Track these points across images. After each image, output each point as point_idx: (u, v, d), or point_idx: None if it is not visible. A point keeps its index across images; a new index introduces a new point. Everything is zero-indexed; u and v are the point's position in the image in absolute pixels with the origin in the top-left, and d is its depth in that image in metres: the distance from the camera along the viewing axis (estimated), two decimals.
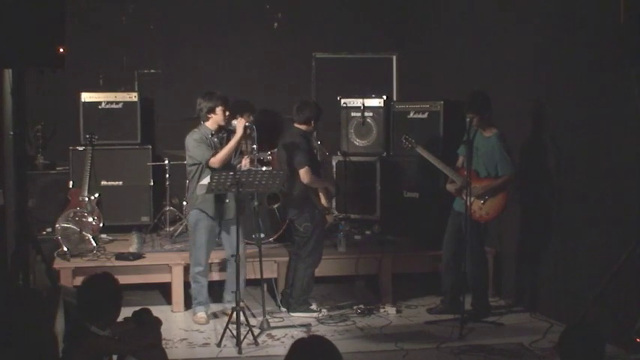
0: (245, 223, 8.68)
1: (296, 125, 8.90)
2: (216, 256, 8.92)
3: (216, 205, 8.45)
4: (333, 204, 10.86)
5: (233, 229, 8.25)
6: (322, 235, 9.07)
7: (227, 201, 8.42)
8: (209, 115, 8.50)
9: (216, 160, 8.33)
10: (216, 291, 8.99)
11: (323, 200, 8.85)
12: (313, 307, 8.91)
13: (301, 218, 8.82)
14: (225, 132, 8.55)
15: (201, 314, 8.66)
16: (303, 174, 8.65)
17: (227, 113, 8.51)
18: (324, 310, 8.91)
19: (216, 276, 9.03)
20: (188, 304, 9.11)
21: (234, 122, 8.43)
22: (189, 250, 8.77)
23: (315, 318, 8.74)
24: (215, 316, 8.79)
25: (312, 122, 8.86)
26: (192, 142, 8.45)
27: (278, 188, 8.39)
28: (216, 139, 8.51)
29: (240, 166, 8.47)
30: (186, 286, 9.10)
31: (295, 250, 8.98)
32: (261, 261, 8.30)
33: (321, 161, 10.75)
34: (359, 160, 10.95)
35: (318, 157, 9.62)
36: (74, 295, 6.29)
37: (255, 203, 8.26)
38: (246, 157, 8.65)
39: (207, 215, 8.48)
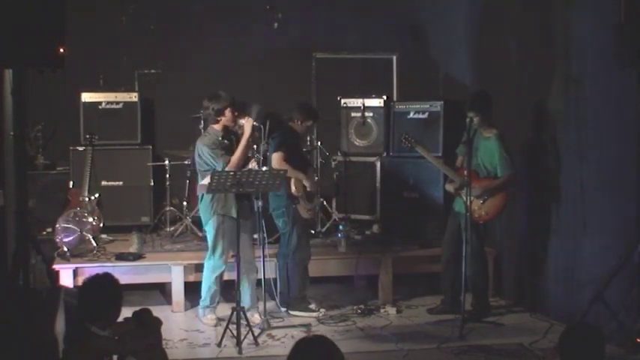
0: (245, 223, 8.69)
1: (288, 123, 9.03)
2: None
3: (237, 205, 8.40)
4: (334, 205, 10.86)
5: (244, 229, 8.28)
6: (304, 228, 9.05)
7: (246, 201, 8.37)
8: (218, 118, 8.46)
9: (231, 165, 8.25)
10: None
11: (293, 188, 8.78)
12: (312, 306, 8.91)
13: (277, 212, 8.87)
14: (233, 134, 8.51)
15: (212, 316, 8.64)
16: (274, 157, 8.68)
17: (235, 114, 8.49)
18: (322, 310, 8.91)
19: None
20: (188, 304, 9.12)
21: (241, 122, 8.41)
22: (208, 252, 8.60)
23: (315, 318, 8.74)
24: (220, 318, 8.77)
25: (300, 122, 8.92)
26: (206, 148, 8.34)
27: (279, 188, 8.37)
28: (226, 142, 8.49)
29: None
30: (187, 286, 9.10)
31: (283, 250, 9.00)
32: (263, 261, 8.31)
33: (322, 162, 10.77)
34: (359, 160, 10.95)
35: (306, 157, 9.61)
36: (74, 296, 6.29)
37: (260, 203, 8.24)
38: (253, 160, 8.63)
39: (230, 218, 8.44)
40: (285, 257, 8.96)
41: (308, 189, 8.94)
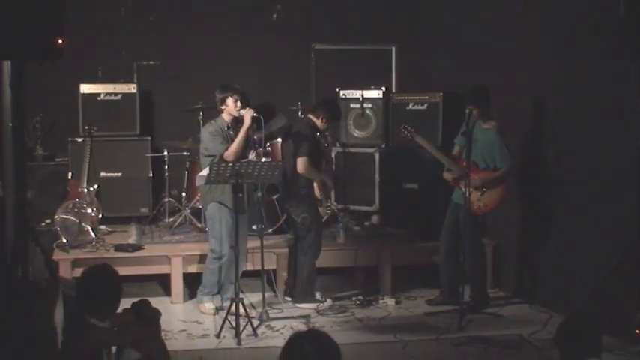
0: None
1: (309, 116, 8.99)
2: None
3: (235, 198, 8.43)
4: (332, 196, 10.86)
5: (240, 221, 8.31)
6: (321, 227, 9.10)
7: (240, 195, 8.35)
8: (221, 107, 8.53)
9: (229, 153, 8.32)
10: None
11: (316, 192, 8.87)
12: (318, 297, 8.95)
13: (299, 209, 8.84)
14: (240, 124, 8.52)
15: (210, 305, 8.69)
16: (300, 162, 8.69)
17: (239, 104, 8.49)
18: (329, 300, 8.94)
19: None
20: (187, 295, 9.12)
21: (242, 112, 8.43)
22: (209, 241, 8.71)
23: (315, 309, 8.76)
24: (217, 308, 8.79)
25: (323, 119, 8.90)
26: (208, 134, 8.46)
27: (277, 179, 8.39)
28: (232, 132, 8.50)
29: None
30: (185, 277, 9.12)
31: (296, 242, 9.00)
32: (262, 252, 8.31)
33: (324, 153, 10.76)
34: (358, 152, 10.95)
35: (322, 151, 9.56)
36: (73, 287, 6.30)
37: (259, 194, 8.26)
38: (253, 151, 8.65)
39: (226, 207, 8.48)
40: (296, 250, 9.01)
41: (329, 186, 9.00)
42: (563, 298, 8.51)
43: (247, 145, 8.54)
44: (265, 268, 8.50)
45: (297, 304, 8.90)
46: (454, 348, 7.65)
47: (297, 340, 3.88)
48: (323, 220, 10.30)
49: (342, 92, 11.10)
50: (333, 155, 10.95)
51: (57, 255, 8.93)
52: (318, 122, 8.94)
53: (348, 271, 9.93)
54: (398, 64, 11.84)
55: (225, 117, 8.54)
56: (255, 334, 7.91)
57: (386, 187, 10.68)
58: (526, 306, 8.98)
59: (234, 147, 8.35)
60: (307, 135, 8.84)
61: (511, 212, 9.27)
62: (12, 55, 7.23)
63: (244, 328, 7.85)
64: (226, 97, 8.48)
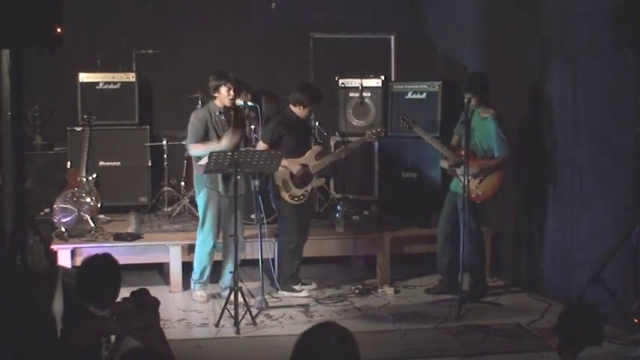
0: (244, 203, 8.70)
1: (290, 106, 8.95)
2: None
3: (225, 182, 8.44)
4: (331, 185, 10.86)
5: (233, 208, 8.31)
6: (293, 213, 8.94)
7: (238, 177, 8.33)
8: (214, 94, 8.53)
9: (194, 148, 8.44)
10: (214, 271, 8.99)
11: (277, 179, 8.79)
12: (296, 287, 8.95)
13: (271, 195, 8.91)
14: (232, 111, 8.53)
15: (201, 293, 8.72)
16: (259, 146, 8.75)
17: (232, 93, 8.49)
18: (304, 290, 8.92)
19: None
20: (186, 284, 9.12)
21: (239, 101, 8.43)
22: (198, 225, 8.73)
23: (311, 297, 8.79)
24: (213, 296, 8.79)
25: (300, 106, 8.86)
26: (192, 118, 8.54)
27: (276, 169, 8.38)
28: (223, 117, 8.51)
29: None
30: (185, 266, 9.11)
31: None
32: (260, 241, 8.32)
33: (320, 142, 10.73)
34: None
35: (306, 140, 9.43)
36: (72, 276, 6.30)
37: (256, 183, 8.26)
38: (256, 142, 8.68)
39: (217, 193, 8.49)
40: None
41: (295, 173, 8.87)
42: (562, 287, 8.51)
43: (246, 139, 8.57)
44: (264, 257, 8.50)
45: (279, 292, 8.91)
46: (453, 337, 7.65)
47: (323, 332, 3.67)
48: (322, 209, 10.35)
49: (340, 81, 11.10)
50: (332, 144, 10.93)
51: (56, 244, 8.92)
52: (299, 110, 8.89)
53: (347, 260, 9.94)
54: (397, 52, 11.81)
55: (218, 103, 8.55)
56: (254, 323, 7.91)
57: (385, 176, 10.68)
58: (525, 295, 8.98)
59: (200, 147, 8.40)
60: (277, 122, 8.87)
61: (510, 201, 9.27)
62: (11, 44, 7.22)
63: (243, 317, 7.85)
64: (220, 85, 8.48)
